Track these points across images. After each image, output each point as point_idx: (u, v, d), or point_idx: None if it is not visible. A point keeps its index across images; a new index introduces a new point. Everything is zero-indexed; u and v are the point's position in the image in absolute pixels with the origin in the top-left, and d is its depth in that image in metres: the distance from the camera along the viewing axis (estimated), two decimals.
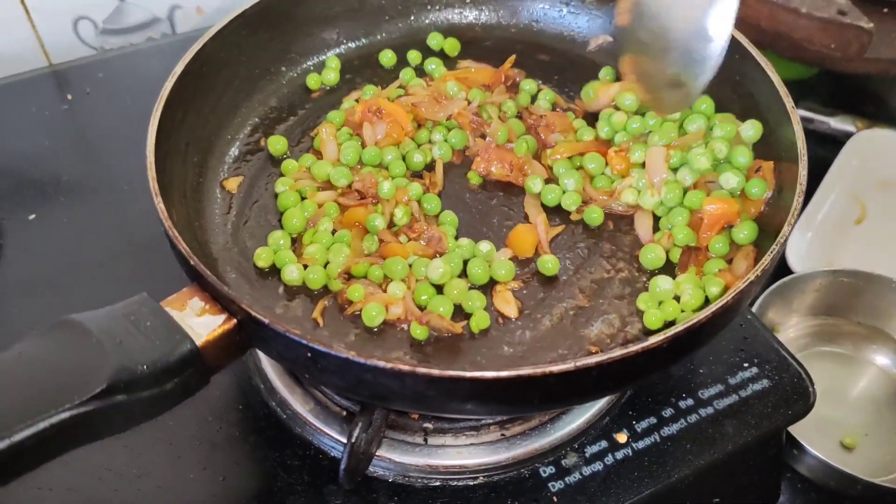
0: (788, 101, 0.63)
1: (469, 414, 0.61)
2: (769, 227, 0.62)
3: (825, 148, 1.11)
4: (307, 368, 0.50)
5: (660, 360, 0.51)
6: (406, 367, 0.46)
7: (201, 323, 0.51)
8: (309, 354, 0.48)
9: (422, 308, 0.60)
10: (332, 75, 0.79)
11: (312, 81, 0.78)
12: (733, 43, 0.69)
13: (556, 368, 0.46)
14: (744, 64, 0.69)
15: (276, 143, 0.73)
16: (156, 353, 0.48)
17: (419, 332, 0.58)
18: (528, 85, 0.78)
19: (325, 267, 0.63)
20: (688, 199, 0.65)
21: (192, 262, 0.52)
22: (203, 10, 1.07)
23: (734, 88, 0.71)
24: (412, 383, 0.47)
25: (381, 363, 0.46)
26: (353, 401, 0.64)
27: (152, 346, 0.48)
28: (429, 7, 0.84)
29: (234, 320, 0.51)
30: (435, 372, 0.46)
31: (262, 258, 0.63)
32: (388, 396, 0.50)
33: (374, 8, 0.83)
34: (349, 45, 0.82)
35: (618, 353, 0.47)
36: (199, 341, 0.49)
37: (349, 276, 0.63)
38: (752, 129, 0.67)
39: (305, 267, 0.62)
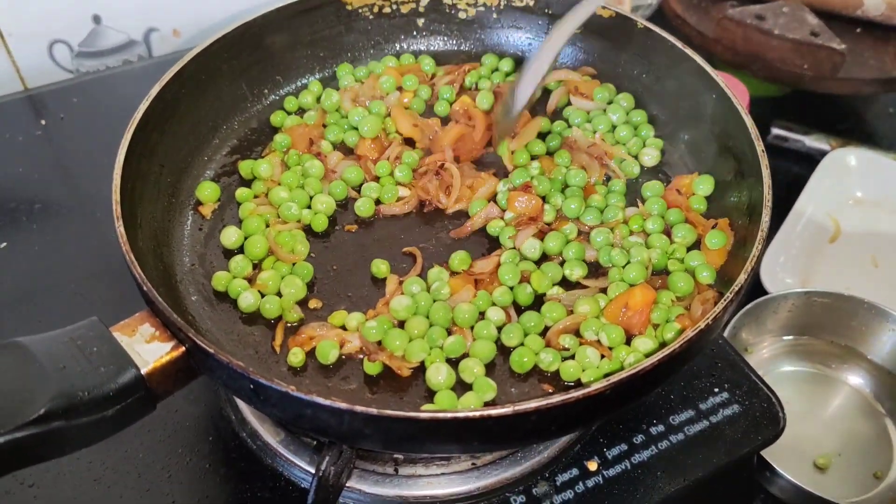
0: (759, 145, 0.63)
1: (413, 453, 0.61)
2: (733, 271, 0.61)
3: (800, 166, 1.12)
4: (251, 399, 0.50)
5: (604, 407, 0.51)
6: (343, 405, 0.46)
7: (149, 350, 0.51)
8: (251, 386, 0.48)
9: (380, 342, 0.59)
10: (309, 98, 0.79)
11: (277, 119, 0.78)
12: (709, 82, 0.70)
13: (493, 412, 0.46)
14: (719, 103, 0.69)
15: (247, 167, 0.72)
16: (98, 379, 0.48)
17: (372, 368, 0.58)
18: (490, 59, 0.81)
19: (279, 295, 0.63)
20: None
21: (144, 288, 0.52)
22: (180, 32, 1.07)
23: (710, 127, 0.71)
24: (350, 420, 0.47)
25: (319, 399, 0.46)
26: None
27: (95, 372, 0.48)
28: (415, 34, 0.85)
29: (183, 348, 0.51)
30: (372, 411, 0.46)
31: (221, 283, 0.63)
32: (328, 431, 0.50)
33: (359, 34, 0.83)
34: (332, 69, 0.83)
35: (557, 398, 0.47)
36: (144, 368, 0.50)
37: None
38: (703, 185, 0.69)
39: (263, 294, 0.62)
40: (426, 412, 0.47)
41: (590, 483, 0.65)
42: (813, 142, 1.13)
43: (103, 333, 0.51)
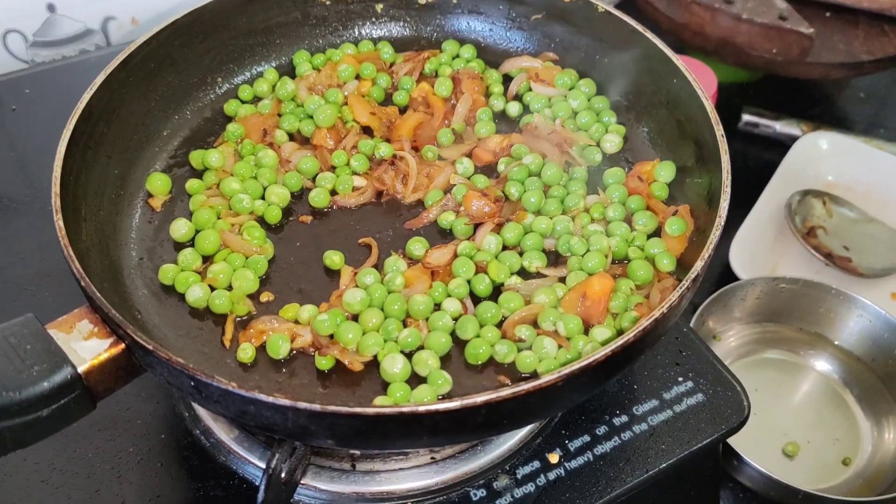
0: (718, 129, 0.62)
1: (363, 449, 0.60)
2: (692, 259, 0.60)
3: (771, 152, 1.11)
4: (193, 396, 0.49)
5: (557, 399, 0.50)
6: (286, 402, 0.45)
7: (87, 347, 0.49)
8: (192, 383, 0.47)
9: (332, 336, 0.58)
10: (264, 87, 0.77)
11: (231, 108, 0.75)
12: (670, 67, 0.68)
13: (441, 406, 0.45)
14: (681, 88, 0.68)
15: (198, 158, 0.70)
16: (31, 378, 0.46)
17: (323, 363, 0.57)
18: (450, 46, 0.79)
19: (229, 290, 0.61)
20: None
21: (82, 283, 0.51)
22: (138, 20, 1.04)
23: (671, 112, 0.70)
24: (294, 417, 0.45)
25: (261, 396, 0.45)
26: None
27: (27, 371, 0.46)
28: (373, 20, 0.83)
29: (123, 345, 0.50)
30: (316, 407, 0.44)
31: (167, 276, 0.61)
32: (274, 429, 0.48)
33: (316, 20, 0.81)
34: (289, 57, 0.80)
35: (507, 391, 0.46)
36: (81, 366, 0.48)
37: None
38: (664, 171, 0.68)
39: (213, 288, 0.61)
40: (371, 408, 0.46)
41: (551, 476, 0.64)
42: (784, 127, 1.13)
43: (38, 331, 0.49)
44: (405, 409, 0.45)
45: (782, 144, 1.11)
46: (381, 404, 0.54)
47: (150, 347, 0.48)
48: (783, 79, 1.12)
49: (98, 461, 0.63)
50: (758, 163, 1.11)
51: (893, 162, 1.05)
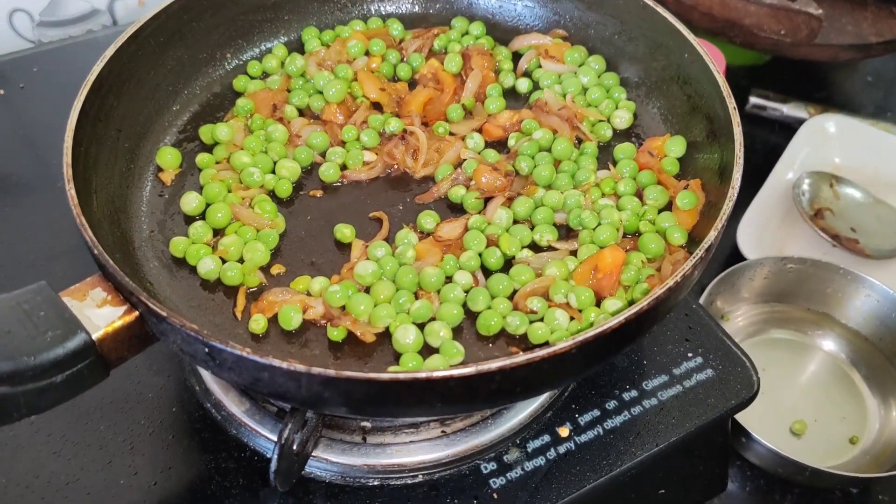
0: (731, 102, 0.61)
1: (375, 416, 0.60)
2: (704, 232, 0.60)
3: (778, 135, 1.11)
4: (207, 364, 0.49)
5: (570, 367, 0.50)
6: (300, 367, 0.45)
7: (101, 314, 0.49)
8: (206, 350, 0.47)
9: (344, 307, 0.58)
10: (273, 63, 0.77)
11: (240, 84, 0.75)
12: (681, 41, 0.68)
13: (456, 372, 0.45)
14: (692, 63, 0.68)
15: (208, 132, 0.70)
16: (45, 344, 0.46)
17: (335, 334, 0.57)
18: (459, 22, 0.79)
19: (241, 262, 0.61)
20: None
21: (95, 251, 0.51)
22: (144, 0, 1.04)
23: (682, 88, 0.70)
24: (308, 383, 0.45)
25: (275, 361, 0.45)
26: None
27: (42, 337, 0.46)
28: None
29: (136, 312, 0.50)
30: (330, 372, 0.45)
31: (178, 249, 0.61)
32: (286, 395, 0.49)
33: None
34: (298, 33, 0.80)
35: (521, 358, 0.46)
36: (95, 333, 0.48)
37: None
38: (675, 146, 0.68)
39: (224, 261, 0.61)
40: (386, 374, 0.46)
41: (561, 449, 0.64)
42: (791, 110, 1.12)
43: (51, 297, 0.49)
44: (420, 375, 0.45)
45: (790, 127, 1.10)
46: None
47: (164, 314, 0.48)
48: (791, 62, 1.12)
49: (110, 433, 0.63)
50: (765, 145, 1.11)
51: None
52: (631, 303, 0.58)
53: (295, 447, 0.56)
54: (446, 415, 0.61)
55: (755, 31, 1.04)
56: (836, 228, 0.97)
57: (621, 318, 0.49)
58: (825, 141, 1.06)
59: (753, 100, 1.13)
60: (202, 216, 0.65)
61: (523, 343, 0.58)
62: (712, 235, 0.53)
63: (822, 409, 0.83)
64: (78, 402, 0.63)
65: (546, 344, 0.57)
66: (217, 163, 0.69)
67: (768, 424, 0.81)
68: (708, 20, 1.06)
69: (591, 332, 0.48)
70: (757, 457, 0.78)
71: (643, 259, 0.61)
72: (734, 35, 1.06)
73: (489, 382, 0.47)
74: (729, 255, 0.95)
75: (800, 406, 0.83)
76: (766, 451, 0.75)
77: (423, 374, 0.46)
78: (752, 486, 0.80)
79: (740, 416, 0.74)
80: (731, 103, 0.61)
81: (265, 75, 0.77)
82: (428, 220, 0.64)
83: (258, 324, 0.58)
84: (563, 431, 0.65)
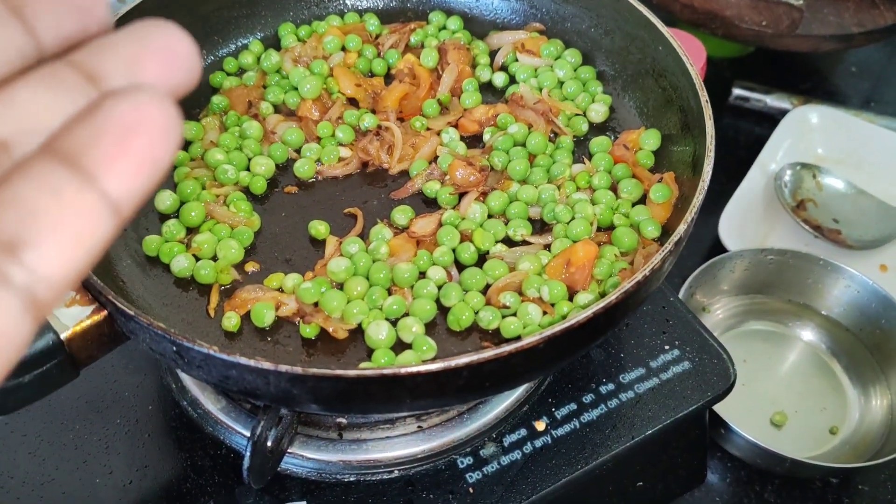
0: (703, 95, 0.61)
1: (346, 413, 0.60)
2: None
3: (762, 126, 1.11)
4: (176, 362, 0.49)
5: (540, 361, 0.50)
6: (268, 365, 0.45)
7: (69, 314, 0.49)
8: (174, 348, 0.47)
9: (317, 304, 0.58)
10: (249, 59, 0.76)
11: (217, 80, 0.75)
12: (655, 34, 0.68)
13: (423, 368, 0.45)
14: (666, 56, 0.67)
15: (183, 128, 0.70)
16: None
17: (308, 331, 0.57)
18: (436, 17, 0.79)
19: (214, 260, 0.61)
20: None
21: None
22: None
23: (657, 81, 0.70)
24: (276, 380, 0.46)
25: (242, 360, 0.45)
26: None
27: None
28: None
29: (105, 311, 0.50)
30: (297, 370, 0.45)
31: (152, 248, 0.61)
32: (256, 393, 0.49)
33: None
34: (274, 29, 0.80)
35: (489, 353, 0.46)
36: (64, 333, 0.48)
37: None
38: (650, 139, 0.68)
39: (198, 258, 0.61)
40: (353, 370, 0.46)
41: (538, 443, 0.64)
42: (775, 101, 1.12)
43: None
44: (386, 371, 0.46)
45: (773, 119, 1.10)
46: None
47: (132, 313, 0.48)
48: (774, 53, 1.12)
49: (86, 433, 0.63)
50: (748, 137, 1.11)
51: (884, 135, 1.05)
52: (603, 296, 0.58)
53: (269, 444, 0.56)
54: (417, 411, 0.61)
55: (736, 23, 1.04)
56: (819, 219, 0.98)
57: (589, 312, 0.49)
58: (808, 132, 1.06)
59: (737, 91, 1.13)
60: (176, 214, 0.65)
61: (496, 338, 0.58)
62: (682, 228, 0.54)
63: (803, 400, 0.84)
64: (53, 402, 0.64)
65: (518, 339, 0.57)
66: (192, 160, 0.69)
67: (748, 416, 0.81)
68: (689, 12, 1.06)
69: (559, 327, 0.48)
70: (737, 448, 0.78)
71: (616, 253, 0.61)
72: (716, 26, 1.06)
73: (457, 378, 0.47)
74: (711, 247, 0.95)
75: (780, 397, 0.84)
76: (746, 443, 0.75)
77: (389, 371, 0.46)
78: (731, 478, 0.80)
79: (720, 408, 0.74)
80: (704, 96, 0.61)
81: (241, 71, 0.76)
82: (401, 215, 0.64)
83: (231, 321, 0.58)
84: (540, 425, 0.65)
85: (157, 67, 0.21)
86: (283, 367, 0.45)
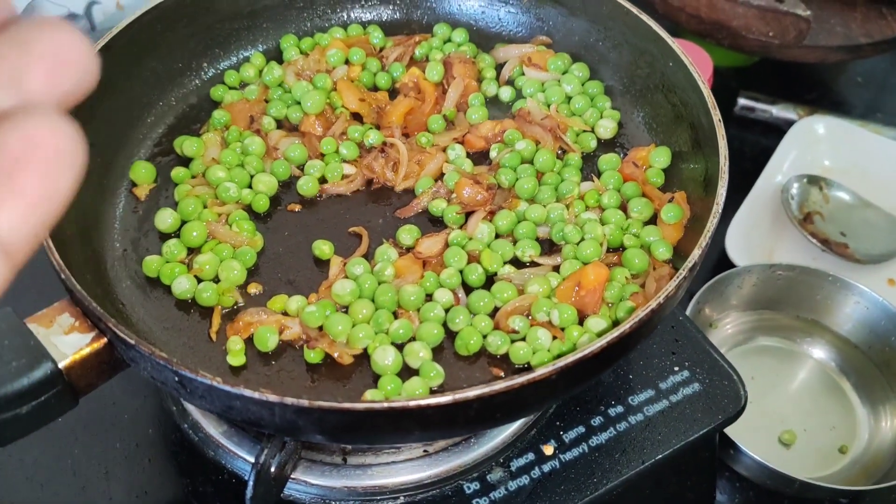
0: (715, 114, 0.60)
1: (352, 443, 0.59)
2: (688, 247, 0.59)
3: (768, 137, 1.10)
4: (178, 391, 0.48)
5: (551, 391, 0.49)
6: (272, 397, 0.43)
7: (68, 342, 0.48)
8: (177, 378, 0.46)
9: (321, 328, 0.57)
10: (251, 72, 0.75)
11: (218, 94, 0.73)
12: (665, 49, 0.67)
13: (432, 401, 0.44)
14: (676, 71, 0.66)
15: (180, 145, 0.69)
16: (8, 374, 0.45)
17: (312, 356, 0.55)
18: (442, 29, 0.77)
19: (216, 281, 0.59)
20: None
21: (62, 275, 0.49)
22: (122, 4, 1.02)
23: (666, 96, 0.68)
24: (281, 412, 0.44)
25: (246, 391, 0.44)
26: None
27: (6, 367, 0.45)
28: (363, 3, 0.81)
29: (105, 339, 0.48)
30: (304, 402, 0.43)
31: (151, 268, 0.60)
32: (261, 423, 0.47)
33: (304, 3, 0.79)
34: (276, 41, 0.79)
35: (499, 385, 0.44)
36: (62, 362, 0.47)
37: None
38: (660, 157, 0.66)
39: (199, 280, 0.59)
40: (360, 403, 0.44)
41: (546, 468, 0.63)
42: (780, 112, 1.11)
43: (16, 325, 0.48)
44: (395, 404, 0.44)
45: (779, 129, 1.09)
46: (372, 398, 0.52)
47: (133, 342, 0.47)
48: (780, 63, 1.11)
49: (84, 458, 0.62)
50: (754, 148, 1.10)
51: (891, 146, 1.04)
52: (615, 321, 0.57)
53: (273, 470, 0.55)
54: (425, 441, 0.60)
55: (743, 33, 1.03)
56: (826, 233, 0.96)
57: (603, 341, 0.48)
58: (814, 143, 1.05)
59: (742, 101, 1.12)
60: (177, 234, 0.63)
61: (505, 363, 0.57)
62: (696, 254, 0.52)
63: (812, 419, 0.82)
64: (51, 425, 0.62)
65: (528, 365, 0.56)
66: (193, 177, 0.67)
67: (757, 434, 0.80)
68: (696, 22, 1.05)
69: (572, 357, 0.47)
70: (745, 469, 0.77)
71: (627, 275, 0.59)
72: (722, 37, 1.04)
73: (467, 410, 0.46)
74: (717, 260, 0.94)
75: (789, 415, 0.83)
76: (754, 464, 0.74)
77: (398, 404, 0.44)
78: (740, 499, 0.79)
79: (728, 427, 0.73)
80: (717, 115, 0.60)
81: (243, 85, 0.75)
82: (407, 235, 0.62)
83: (235, 345, 0.56)
84: (548, 449, 0.63)
85: (44, 75, 0.19)
86: (289, 400, 0.44)
